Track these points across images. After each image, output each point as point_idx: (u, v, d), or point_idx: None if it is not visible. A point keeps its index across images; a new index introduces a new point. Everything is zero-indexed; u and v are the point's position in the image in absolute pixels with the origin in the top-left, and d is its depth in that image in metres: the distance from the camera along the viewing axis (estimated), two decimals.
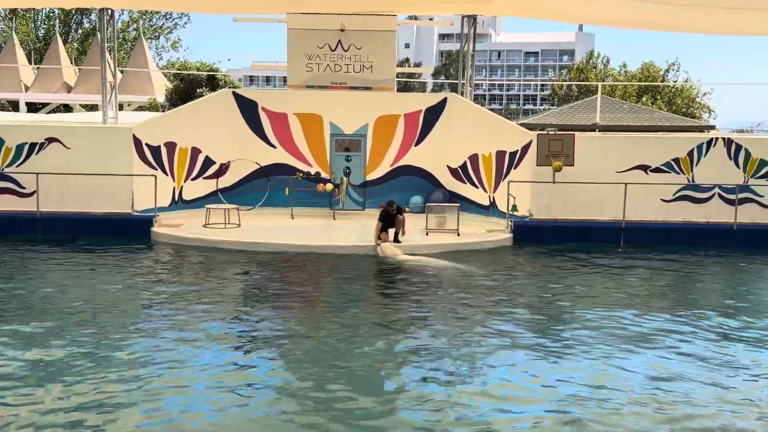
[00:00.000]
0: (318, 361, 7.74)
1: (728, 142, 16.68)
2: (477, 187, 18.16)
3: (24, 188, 16.25)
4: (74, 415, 6.10)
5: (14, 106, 35.40)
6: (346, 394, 6.76)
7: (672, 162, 16.59)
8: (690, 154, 16.61)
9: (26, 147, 16.31)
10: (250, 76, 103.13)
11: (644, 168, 16.56)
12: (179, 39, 51.03)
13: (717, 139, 16.89)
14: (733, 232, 16.06)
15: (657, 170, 16.57)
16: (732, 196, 16.42)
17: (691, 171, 16.60)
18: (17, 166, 16.29)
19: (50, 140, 16.31)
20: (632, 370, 7.60)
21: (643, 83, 46.22)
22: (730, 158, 16.62)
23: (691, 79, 55.33)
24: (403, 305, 10.63)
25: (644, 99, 46.53)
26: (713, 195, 16.57)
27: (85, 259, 13.32)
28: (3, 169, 16.30)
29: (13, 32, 37.56)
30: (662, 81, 49.86)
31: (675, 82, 51.10)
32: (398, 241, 14.72)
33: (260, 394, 6.78)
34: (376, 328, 9.19)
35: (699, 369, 7.73)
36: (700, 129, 28.67)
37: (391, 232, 14.70)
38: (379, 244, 14.05)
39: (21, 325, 8.82)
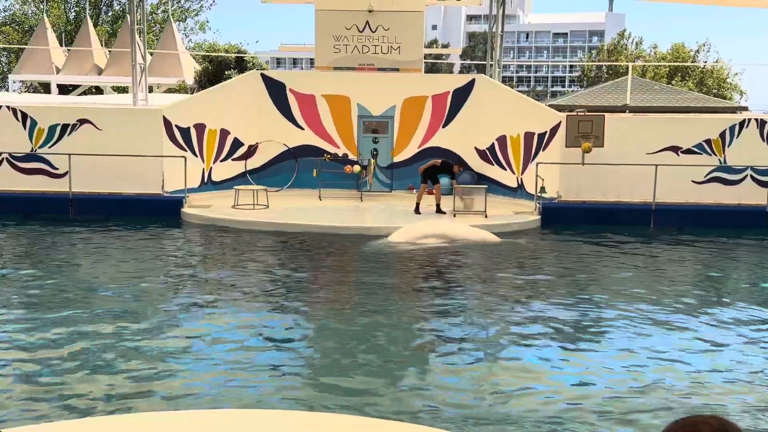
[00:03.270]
0: (345, 340, 7.77)
1: (761, 123, 16.39)
2: (505, 169, 18.05)
3: (56, 169, 16.45)
4: (103, 394, 6.20)
5: (46, 87, 35.78)
6: (371, 377, 6.78)
7: (704, 143, 16.34)
8: (722, 135, 16.35)
9: (58, 128, 16.49)
10: (277, 59, 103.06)
11: (675, 149, 16.33)
12: (207, 21, 51.01)
13: (750, 120, 16.60)
14: (765, 214, 15.81)
15: (688, 151, 16.34)
16: (764, 178, 16.14)
17: (723, 152, 16.34)
18: (50, 147, 16.48)
19: (82, 122, 16.47)
20: (661, 353, 7.53)
21: (673, 64, 45.49)
22: (763, 139, 16.34)
23: (722, 60, 54.30)
24: (430, 287, 10.63)
25: (675, 81, 45.79)
26: (745, 176, 16.31)
27: (117, 239, 13.49)
28: (36, 150, 16.51)
29: (45, 15, 37.87)
30: (692, 62, 49.03)
31: (706, 62, 50.23)
32: (442, 212, 15.18)
33: (282, 375, 6.82)
34: (404, 308, 9.21)
35: (727, 352, 7.64)
36: (732, 110, 28.15)
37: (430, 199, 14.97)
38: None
39: (55, 305, 8.97)
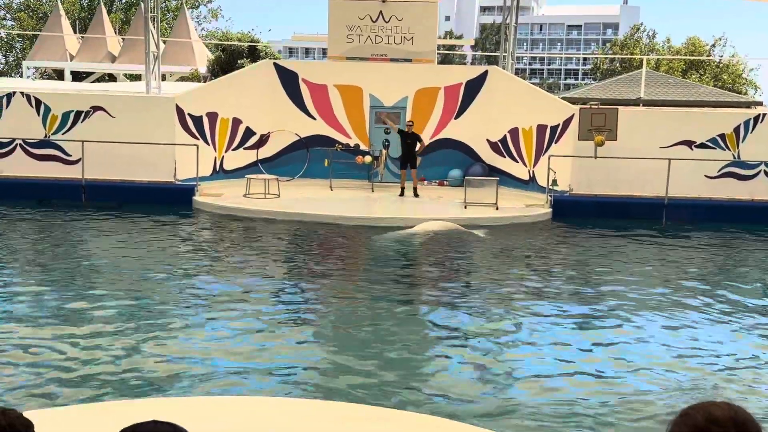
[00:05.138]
0: (354, 330, 7.79)
1: None
2: (517, 162, 18.00)
3: (69, 155, 16.52)
4: (111, 373, 6.24)
5: (59, 74, 35.89)
6: (383, 365, 6.79)
7: (717, 138, 16.23)
8: (736, 130, 16.22)
9: (72, 115, 16.56)
10: (289, 48, 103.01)
11: (689, 144, 16.22)
12: (220, 8, 50.94)
13: (764, 115, 16.47)
14: None
15: (702, 146, 16.22)
16: None
17: (737, 147, 16.22)
18: (63, 134, 16.56)
19: (95, 109, 16.53)
20: (669, 347, 7.51)
21: (688, 57, 45.15)
22: None
23: (738, 54, 53.83)
24: (440, 277, 10.64)
25: (690, 75, 45.45)
26: (759, 172, 16.20)
27: (129, 226, 13.54)
28: (49, 137, 16.59)
29: (59, 2, 37.95)
30: (708, 56, 48.65)
31: (721, 57, 49.82)
32: (417, 195, 16.04)
33: (291, 363, 6.85)
34: (413, 298, 9.23)
35: (734, 347, 7.61)
36: (747, 105, 27.95)
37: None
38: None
39: (68, 292, 9.03)
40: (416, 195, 16.65)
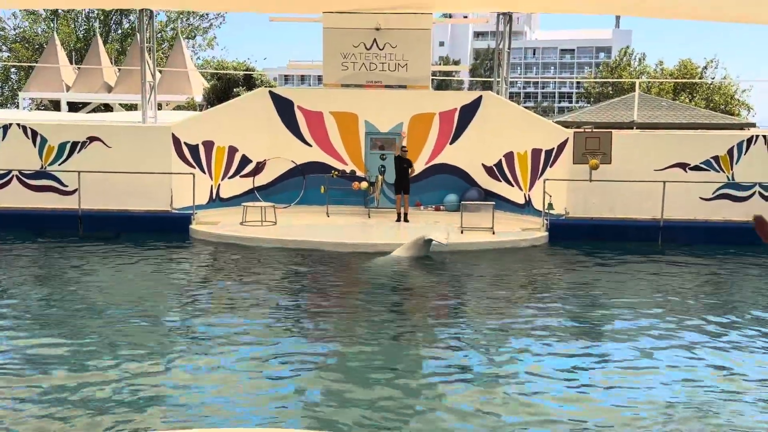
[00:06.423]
0: (354, 362, 7.76)
1: None
2: (512, 186, 18.06)
3: (66, 186, 16.55)
4: (106, 411, 6.21)
5: (56, 105, 36.03)
6: (384, 395, 6.77)
7: (711, 160, 16.32)
8: (730, 151, 16.33)
9: (68, 146, 16.62)
10: (285, 76, 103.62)
11: (683, 166, 16.31)
12: (215, 37, 51.33)
13: (758, 136, 16.58)
14: None
15: (696, 168, 16.31)
16: None
17: (731, 169, 16.31)
18: (59, 165, 16.60)
19: (91, 139, 16.59)
20: (666, 377, 7.50)
21: (679, 80, 45.46)
22: None
23: (730, 76, 54.24)
24: (439, 304, 10.63)
25: (682, 97, 45.75)
26: (754, 193, 16.27)
27: (126, 256, 13.52)
28: (45, 168, 16.62)
29: (55, 33, 38.21)
30: (700, 78, 48.99)
31: (713, 79, 50.18)
32: (407, 221, 16.36)
33: (288, 396, 6.82)
34: (414, 328, 9.20)
35: (732, 376, 7.60)
36: (740, 126, 28.12)
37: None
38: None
39: (62, 324, 8.99)
40: (406, 220, 16.81)
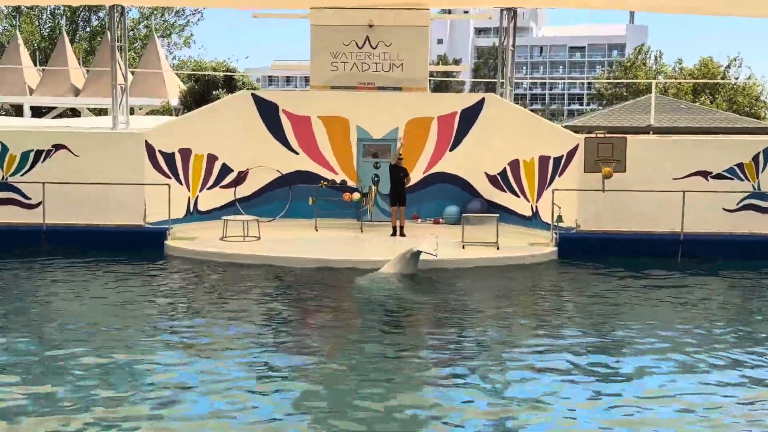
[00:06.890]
0: (342, 385, 7.74)
1: None
2: (518, 196, 18.09)
3: (29, 199, 16.50)
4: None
5: (18, 110, 35.98)
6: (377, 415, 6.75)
7: (735, 167, 16.37)
8: (755, 158, 16.38)
9: (32, 154, 16.59)
10: (269, 77, 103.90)
11: (704, 174, 16.36)
12: (192, 35, 51.39)
13: None
14: None
15: (719, 177, 16.36)
16: None
17: (757, 177, 16.36)
18: (22, 175, 16.56)
19: (57, 147, 16.57)
20: (685, 402, 7.50)
21: (700, 80, 45.67)
22: None
23: (755, 76, 54.56)
24: (436, 324, 10.61)
25: (702, 99, 45.98)
26: None
27: (93, 275, 13.48)
28: (7, 179, 16.58)
29: (17, 31, 38.20)
30: (722, 78, 49.25)
31: (737, 79, 50.44)
32: (403, 235, 16.41)
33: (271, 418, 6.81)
34: (410, 347, 9.19)
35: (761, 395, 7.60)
36: (766, 131, 28.26)
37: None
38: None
39: (26, 346, 8.95)
40: (402, 234, 16.82)
